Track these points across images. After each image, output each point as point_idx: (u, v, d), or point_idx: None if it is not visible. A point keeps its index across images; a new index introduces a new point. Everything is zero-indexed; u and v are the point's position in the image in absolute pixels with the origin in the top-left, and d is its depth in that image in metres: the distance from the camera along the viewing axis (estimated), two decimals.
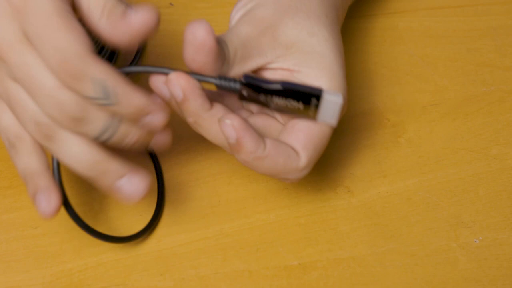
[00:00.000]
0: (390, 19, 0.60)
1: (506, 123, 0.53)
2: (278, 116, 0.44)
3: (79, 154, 0.39)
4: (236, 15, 0.45)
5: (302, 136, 0.42)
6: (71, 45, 0.36)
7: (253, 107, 0.45)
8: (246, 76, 0.41)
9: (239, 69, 0.42)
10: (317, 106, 0.41)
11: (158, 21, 0.38)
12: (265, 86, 0.40)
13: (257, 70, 0.43)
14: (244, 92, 0.41)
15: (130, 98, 0.38)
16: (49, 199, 0.40)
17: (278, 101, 0.41)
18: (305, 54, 0.43)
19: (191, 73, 0.41)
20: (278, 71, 0.43)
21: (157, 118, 0.39)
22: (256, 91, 0.41)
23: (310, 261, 0.46)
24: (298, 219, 0.48)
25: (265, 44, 0.43)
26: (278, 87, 0.40)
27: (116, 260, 0.46)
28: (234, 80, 0.41)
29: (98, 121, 0.38)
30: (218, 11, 0.60)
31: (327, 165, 0.50)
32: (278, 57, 0.43)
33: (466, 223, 0.48)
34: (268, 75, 0.44)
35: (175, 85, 0.40)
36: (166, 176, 0.50)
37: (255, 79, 0.41)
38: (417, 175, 0.50)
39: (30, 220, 0.47)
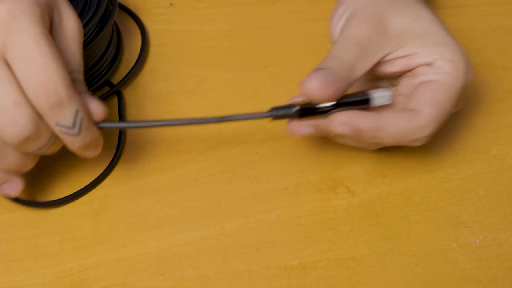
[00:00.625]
0: None
1: (506, 123, 0.53)
2: (404, 89, 0.46)
3: None
4: (338, 25, 0.47)
5: (425, 95, 0.44)
6: (57, 73, 0.38)
7: None
8: (301, 108, 0.43)
9: (362, 68, 0.44)
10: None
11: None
12: (320, 109, 0.43)
13: (376, 66, 0.45)
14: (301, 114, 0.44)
15: (90, 131, 0.41)
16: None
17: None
18: (417, 37, 0.45)
19: (248, 115, 0.45)
20: (395, 61, 0.45)
21: (96, 151, 0.44)
22: (313, 114, 0.44)
23: (310, 261, 0.46)
24: (298, 219, 0.48)
25: (379, 39, 0.44)
26: (330, 107, 0.43)
27: (116, 260, 0.46)
28: (289, 107, 0.44)
29: (42, 139, 0.40)
30: (218, 11, 0.60)
31: (327, 165, 0.50)
32: (394, 46, 0.45)
33: (466, 223, 0.47)
34: (387, 68, 0.46)
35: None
36: (166, 176, 0.50)
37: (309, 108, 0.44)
38: (417, 175, 0.50)
39: (30, 220, 0.47)
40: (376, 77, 0.48)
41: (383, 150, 0.51)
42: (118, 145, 0.51)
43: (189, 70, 0.56)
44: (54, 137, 0.41)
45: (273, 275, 0.45)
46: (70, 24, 0.42)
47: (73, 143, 0.41)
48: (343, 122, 0.42)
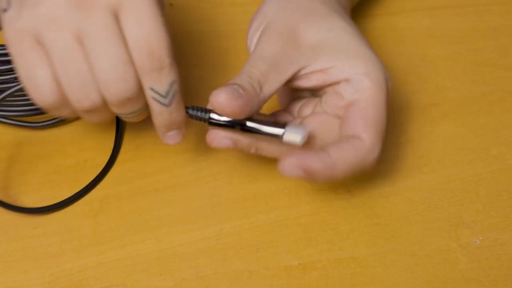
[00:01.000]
0: (391, 19, 0.60)
1: (506, 123, 0.53)
2: (329, 109, 0.45)
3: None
4: (254, 39, 0.46)
5: (358, 120, 0.43)
6: (165, 39, 0.39)
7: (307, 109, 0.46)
8: (210, 119, 0.43)
9: (273, 85, 0.43)
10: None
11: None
12: (226, 123, 0.43)
13: (291, 80, 0.44)
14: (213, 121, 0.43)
15: (178, 108, 0.42)
16: None
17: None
18: (331, 49, 0.44)
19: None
20: (311, 76, 0.44)
21: (178, 137, 0.44)
22: (220, 126, 0.43)
23: (310, 261, 0.46)
24: (298, 219, 0.48)
25: (291, 53, 0.44)
26: (239, 126, 0.43)
27: (116, 260, 0.46)
28: (205, 111, 0.43)
29: (138, 104, 0.41)
30: (218, 11, 0.60)
31: None
32: (308, 60, 0.44)
33: (467, 223, 0.47)
34: (304, 83, 0.45)
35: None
36: (167, 176, 0.50)
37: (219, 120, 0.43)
38: (417, 175, 0.50)
39: (30, 220, 0.47)
40: (295, 89, 0.47)
41: (383, 150, 0.51)
42: (114, 146, 0.50)
43: (189, 70, 0.56)
44: (145, 106, 0.42)
45: (273, 275, 0.45)
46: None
47: (161, 113, 0.42)
48: (295, 165, 0.41)
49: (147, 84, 0.40)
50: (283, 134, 0.42)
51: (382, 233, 0.47)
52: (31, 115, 0.51)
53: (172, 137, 0.44)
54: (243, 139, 0.43)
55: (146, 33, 0.38)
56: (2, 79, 0.47)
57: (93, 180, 0.49)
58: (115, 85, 0.39)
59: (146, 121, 0.44)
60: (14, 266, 0.45)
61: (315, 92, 0.47)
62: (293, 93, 0.48)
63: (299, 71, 0.44)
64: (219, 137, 0.43)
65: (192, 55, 0.57)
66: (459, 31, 0.59)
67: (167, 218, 0.48)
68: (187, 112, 0.43)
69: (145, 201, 0.48)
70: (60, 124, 0.52)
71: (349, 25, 0.45)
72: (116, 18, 0.38)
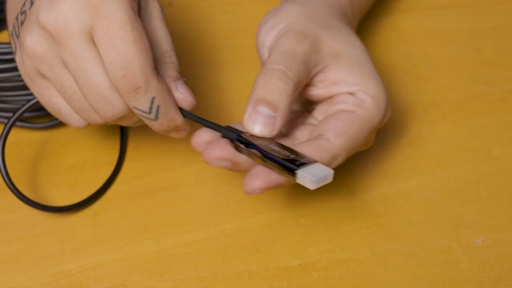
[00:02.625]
0: (392, 19, 0.60)
1: (507, 123, 0.53)
2: (321, 116, 0.45)
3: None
4: (269, 36, 0.46)
5: (339, 124, 0.42)
6: (137, 59, 0.38)
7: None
8: (238, 138, 0.42)
9: (303, 83, 0.43)
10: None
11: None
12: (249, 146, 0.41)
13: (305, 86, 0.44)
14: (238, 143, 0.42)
15: (167, 118, 0.41)
16: None
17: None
18: (349, 64, 0.44)
19: (201, 119, 0.43)
20: (320, 84, 0.45)
21: (179, 135, 0.44)
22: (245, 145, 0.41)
23: (310, 261, 0.45)
24: (299, 219, 0.48)
25: (315, 55, 0.44)
26: (256, 152, 0.40)
27: (115, 260, 0.45)
28: (233, 131, 0.42)
29: (132, 119, 0.42)
30: (218, 11, 0.60)
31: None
32: (326, 66, 0.44)
33: (468, 223, 0.47)
34: (310, 89, 0.45)
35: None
36: (167, 176, 0.50)
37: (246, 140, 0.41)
38: (418, 175, 0.50)
39: (29, 221, 0.47)
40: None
41: (383, 150, 0.51)
42: (120, 150, 0.50)
43: (189, 69, 0.56)
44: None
45: (273, 275, 0.45)
46: (156, 5, 0.43)
47: (152, 126, 0.42)
48: (260, 187, 0.40)
49: (129, 104, 0.40)
50: (296, 174, 0.39)
51: (382, 234, 0.47)
52: (31, 117, 0.51)
53: (173, 135, 0.44)
54: (241, 159, 0.41)
55: (116, 56, 0.38)
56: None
57: (107, 181, 0.49)
58: (104, 110, 0.40)
59: None
60: (14, 266, 0.45)
61: (308, 106, 0.47)
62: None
63: (315, 75, 0.44)
64: (217, 159, 0.41)
65: (192, 54, 0.57)
66: (460, 31, 0.59)
67: (167, 218, 0.47)
68: (211, 128, 0.42)
69: (145, 201, 0.48)
70: (60, 124, 0.52)
71: (363, 45, 0.46)
72: (93, 42, 0.39)
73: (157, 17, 0.43)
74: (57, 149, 0.51)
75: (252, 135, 0.42)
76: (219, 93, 0.54)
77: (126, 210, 0.48)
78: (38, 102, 0.44)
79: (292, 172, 0.39)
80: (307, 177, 0.38)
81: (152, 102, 0.40)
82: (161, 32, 0.43)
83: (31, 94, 0.49)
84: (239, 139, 0.41)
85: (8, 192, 0.47)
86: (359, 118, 0.43)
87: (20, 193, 0.45)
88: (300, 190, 0.49)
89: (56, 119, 0.51)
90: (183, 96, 0.42)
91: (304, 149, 0.41)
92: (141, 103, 0.40)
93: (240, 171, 0.42)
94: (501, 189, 0.49)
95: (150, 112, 0.40)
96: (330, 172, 0.39)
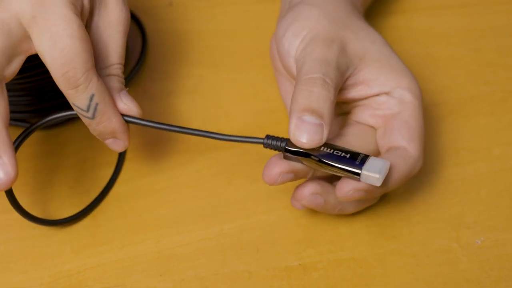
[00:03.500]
0: (391, 19, 0.60)
1: (508, 123, 0.53)
2: (367, 120, 0.45)
3: None
4: (293, 45, 0.45)
5: (403, 131, 0.44)
6: (82, 57, 0.39)
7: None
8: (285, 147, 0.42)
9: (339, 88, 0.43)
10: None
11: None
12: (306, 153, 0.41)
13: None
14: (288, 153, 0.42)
15: (104, 118, 0.41)
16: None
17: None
18: (376, 61, 0.45)
19: (240, 137, 0.43)
20: (351, 87, 0.45)
21: (117, 146, 0.43)
22: (300, 155, 0.41)
23: (310, 262, 0.45)
24: (299, 219, 0.47)
25: (345, 60, 0.44)
26: (315, 157, 0.41)
27: (115, 260, 0.45)
28: (281, 140, 0.42)
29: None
30: (218, 11, 0.60)
31: None
32: (355, 68, 0.44)
33: (468, 223, 0.47)
34: (343, 94, 0.45)
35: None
36: (166, 176, 0.50)
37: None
38: (418, 175, 0.49)
39: (29, 221, 0.47)
40: None
41: None
42: (118, 160, 0.50)
43: (188, 70, 0.56)
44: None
45: (273, 276, 0.45)
46: (116, 13, 0.43)
47: (89, 125, 0.42)
48: (353, 188, 0.41)
49: (69, 100, 0.40)
50: (360, 175, 0.40)
51: (383, 234, 0.47)
52: (31, 117, 0.51)
53: (111, 145, 0.44)
54: (303, 169, 0.42)
55: (60, 52, 0.38)
56: None
57: (98, 195, 0.48)
58: None
59: None
60: (13, 267, 0.45)
61: (344, 107, 0.47)
62: None
63: (347, 79, 0.44)
64: (279, 175, 0.41)
65: (192, 54, 0.57)
66: (461, 30, 0.59)
67: (166, 219, 0.47)
68: (263, 145, 0.42)
69: (144, 201, 0.48)
70: (60, 124, 0.52)
71: (384, 39, 0.46)
72: (24, 32, 0.39)
73: (114, 27, 0.43)
74: (57, 149, 0.51)
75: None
76: (219, 93, 0.54)
77: (126, 210, 0.48)
78: (54, 119, 0.44)
79: (356, 174, 0.40)
80: (371, 175, 0.40)
81: (90, 100, 0.40)
82: (113, 44, 0.43)
83: (31, 98, 0.49)
84: (288, 149, 0.41)
85: None
86: (412, 116, 0.44)
87: (28, 213, 0.44)
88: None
89: (56, 118, 0.51)
90: (128, 107, 0.42)
91: (394, 164, 0.42)
92: (80, 100, 0.40)
93: (302, 178, 0.43)
94: (501, 189, 0.49)
95: (88, 110, 0.40)
96: (388, 163, 0.40)
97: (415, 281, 0.45)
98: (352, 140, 0.44)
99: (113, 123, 0.42)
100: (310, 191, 0.43)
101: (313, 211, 0.47)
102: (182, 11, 0.60)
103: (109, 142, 0.43)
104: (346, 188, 0.41)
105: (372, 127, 0.46)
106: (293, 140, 0.41)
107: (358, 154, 0.41)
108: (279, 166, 0.41)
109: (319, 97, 0.41)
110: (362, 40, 0.45)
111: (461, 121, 0.53)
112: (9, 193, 0.42)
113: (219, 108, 0.53)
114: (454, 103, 0.54)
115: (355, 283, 0.44)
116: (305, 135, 0.40)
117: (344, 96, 0.45)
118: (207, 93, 0.55)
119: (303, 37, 0.45)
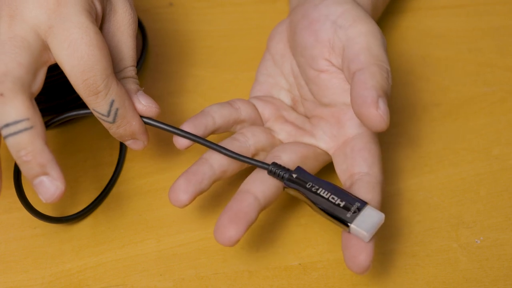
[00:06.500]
0: (391, 19, 0.60)
1: (507, 123, 0.53)
2: (327, 141, 0.46)
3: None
4: (335, 8, 0.45)
5: (364, 156, 0.43)
6: (101, 64, 0.39)
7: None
8: (295, 171, 0.42)
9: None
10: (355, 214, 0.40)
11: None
12: (308, 186, 0.42)
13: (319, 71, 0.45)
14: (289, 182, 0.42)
15: (124, 121, 0.42)
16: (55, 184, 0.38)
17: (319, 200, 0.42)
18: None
19: (245, 158, 0.43)
20: (334, 73, 0.45)
21: (136, 146, 0.44)
22: (301, 185, 0.42)
23: (310, 261, 0.46)
24: (299, 219, 0.48)
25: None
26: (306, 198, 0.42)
27: (115, 260, 0.45)
28: (285, 170, 0.42)
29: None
30: (218, 11, 0.60)
31: (328, 165, 0.49)
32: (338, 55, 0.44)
33: (467, 223, 0.47)
34: (325, 76, 0.45)
35: None
36: (166, 176, 0.50)
37: (303, 177, 0.42)
38: (418, 175, 0.50)
39: (29, 221, 0.47)
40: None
41: (383, 150, 0.51)
42: (120, 150, 0.50)
43: (189, 70, 0.56)
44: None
45: (273, 275, 0.45)
46: (125, 18, 0.43)
47: (109, 128, 0.42)
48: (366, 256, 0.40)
49: (89, 106, 0.41)
50: (349, 227, 0.40)
51: (382, 233, 0.47)
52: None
53: (131, 145, 0.44)
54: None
55: (79, 60, 0.38)
56: None
57: (99, 195, 0.48)
58: None
59: None
60: (14, 266, 0.45)
61: (312, 110, 0.47)
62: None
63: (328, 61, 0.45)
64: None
65: (192, 54, 0.57)
66: (460, 31, 0.59)
67: (167, 218, 0.48)
68: (267, 171, 0.43)
69: (145, 201, 0.48)
70: (60, 124, 0.52)
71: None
72: (44, 42, 0.39)
73: (124, 31, 0.43)
74: (57, 149, 0.51)
75: (301, 172, 0.42)
76: (219, 93, 0.54)
77: (126, 210, 0.48)
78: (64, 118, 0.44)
79: (345, 224, 0.40)
80: (360, 231, 0.40)
81: (111, 106, 0.41)
82: (125, 47, 0.43)
83: None
84: (290, 180, 0.42)
85: (8, 192, 0.47)
86: (372, 136, 0.44)
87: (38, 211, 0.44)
88: None
89: (56, 118, 0.51)
90: (146, 107, 0.43)
91: (357, 193, 0.42)
92: (101, 106, 0.40)
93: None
94: (501, 189, 0.49)
95: (108, 115, 0.41)
96: (382, 216, 0.40)
97: (414, 280, 0.45)
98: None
99: (133, 126, 0.42)
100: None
101: (313, 211, 0.48)
102: (183, 12, 0.60)
103: (129, 143, 0.44)
104: (361, 257, 0.39)
105: (326, 152, 0.46)
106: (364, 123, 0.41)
107: (354, 201, 0.41)
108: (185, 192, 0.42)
109: (383, 79, 0.41)
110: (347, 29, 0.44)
111: (460, 121, 0.53)
112: (19, 190, 0.43)
113: None
114: (453, 103, 0.54)
115: (355, 283, 0.44)
116: (381, 115, 0.40)
117: (325, 78, 0.45)
118: (207, 93, 0.55)
119: (346, 7, 0.44)
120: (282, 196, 0.48)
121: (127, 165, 0.50)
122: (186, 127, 0.44)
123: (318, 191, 0.41)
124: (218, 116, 0.45)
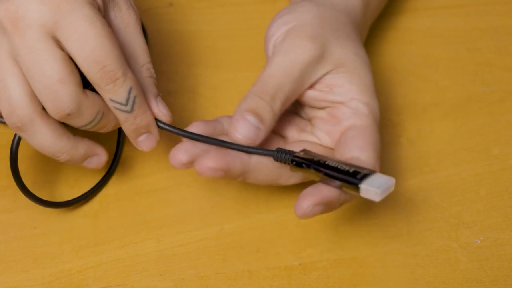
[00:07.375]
0: (391, 19, 0.60)
1: (506, 123, 0.53)
2: (322, 134, 0.45)
3: (49, 144, 0.42)
4: (278, 31, 0.46)
5: (358, 141, 0.43)
6: (114, 52, 0.39)
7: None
8: (297, 155, 0.42)
9: (295, 97, 0.44)
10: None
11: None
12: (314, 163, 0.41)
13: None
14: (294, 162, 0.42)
15: (142, 112, 0.42)
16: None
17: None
18: (351, 72, 0.45)
19: (245, 147, 0.42)
20: (316, 87, 0.45)
21: (149, 142, 0.44)
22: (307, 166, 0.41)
23: (310, 261, 0.46)
24: (299, 219, 0.47)
25: (318, 62, 0.44)
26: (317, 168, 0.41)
27: (115, 260, 0.45)
28: (289, 153, 0.42)
29: (85, 117, 0.41)
30: (218, 11, 0.60)
31: None
32: (328, 72, 0.44)
33: (467, 223, 0.47)
34: (309, 92, 0.45)
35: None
36: (167, 176, 0.50)
37: (306, 157, 0.42)
38: (418, 175, 0.50)
39: (29, 220, 0.47)
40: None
41: (383, 150, 0.51)
42: (117, 149, 0.50)
43: (189, 70, 0.56)
44: (100, 116, 0.42)
45: (273, 275, 0.45)
46: (130, 15, 0.43)
47: (126, 120, 0.42)
48: (312, 203, 0.40)
49: (106, 96, 0.40)
50: (359, 188, 0.39)
51: (382, 233, 0.47)
52: None
53: (144, 142, 0.44)
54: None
55: (92, 51, 0.38)
56: None
57: (96, 184, 0.48)
58: (50, 104, 0.40)
59: None
60: (14, 266, 0.45)
61: (306, 108, 0.47)
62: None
63: (317, 80, 0.44)
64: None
65: (192, 54, 0.57)
66: (459, 31, 0.59)
67: (167, 218, 0.48)
68: (273, 157, 0.42)
69: (145, 201, 0.48)
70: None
71: (366, 55, 0.46)
72: (54, 38, 0.39)
73: (133, 26, 0.43)
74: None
75: (305, 152, 0.42)
76: (219, 93, 0.54)
77: (126, 210, 0.48)
78: None
79: (355, 186, 0.39)
80: (371, 189, 0.38)
81: (129, 93, 0.40)
82: (138, 42, 0.43)
83: None
84: (297, 156, 0.42)
85: (8, 192, 0.47)
86: (367, 126, 0.44)
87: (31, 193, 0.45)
88: (300, 191, 0.49)
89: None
90: (163, 114, 0.43)
91: None
92: (119, 94, 0.40)
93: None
94: (501, 189, 0.49)
95: (126, 104, 0.41)
96: (392, 181, 0.39)
97: (414, 280, 0.45)
98: None
99: (149, 116, 0.43)
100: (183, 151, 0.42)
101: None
102: (183, 12, 0.60)
103: (142, 138, 0.44)
104: (305, 204, 0.40)
105: (331, 148, 0.45)
106: (231, 131, 0.42)
107: (363, 169, 0.40)
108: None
109: (265, 106, 0.42)
110: (345, 49, 0.45)
111: (459, 121, 0.53)
112: (17, 178, 0.43)
113: (219, 108, 0.53)
114: (453, 103, 0.54)
115: (354, 283, 0.45)
116: (243, 131, 0.42)
117: (305, 96, 0.45)
118: (207, 93, 0.55)
119: (290, 28, 0.45)
120: (282, 196, 0.48)
121: (127, 164, 0.50)
122: (194, 127, 0.44)
123: (326, 162, 0.41)
124: (226, 122, 0.45)
